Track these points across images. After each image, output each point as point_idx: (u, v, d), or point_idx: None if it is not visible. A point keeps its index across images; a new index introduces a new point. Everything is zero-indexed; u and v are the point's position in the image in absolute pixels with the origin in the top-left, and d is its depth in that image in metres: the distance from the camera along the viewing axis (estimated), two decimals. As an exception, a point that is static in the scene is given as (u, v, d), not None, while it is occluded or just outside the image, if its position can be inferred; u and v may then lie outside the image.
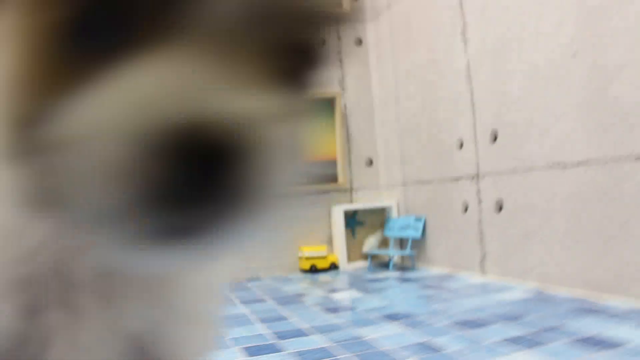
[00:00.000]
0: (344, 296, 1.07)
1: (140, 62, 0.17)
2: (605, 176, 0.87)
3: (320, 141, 1.57)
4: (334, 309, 0.93)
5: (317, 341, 0.75)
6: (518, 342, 0.69)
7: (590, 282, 0.91)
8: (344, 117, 1.61)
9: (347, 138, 1.61)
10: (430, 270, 1.37)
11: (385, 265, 1.52)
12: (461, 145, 1.26)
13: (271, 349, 0.74)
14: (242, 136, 0.16)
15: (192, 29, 0.17)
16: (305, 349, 0.73)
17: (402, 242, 1.56)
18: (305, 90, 0.23)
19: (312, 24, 0.22)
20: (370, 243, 1.57)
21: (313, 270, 1.49)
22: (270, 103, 0.18)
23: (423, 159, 1.42)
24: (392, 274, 1.36)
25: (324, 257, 1.50)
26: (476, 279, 1.18)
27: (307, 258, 1.49)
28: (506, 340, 0.70)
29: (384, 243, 1.59)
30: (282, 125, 0.18)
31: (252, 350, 0.74)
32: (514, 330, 0.74)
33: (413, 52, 1.44)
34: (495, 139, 1.14)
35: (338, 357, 0.66)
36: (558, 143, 0.96)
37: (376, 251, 1.53)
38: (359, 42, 1.65)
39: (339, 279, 1.34)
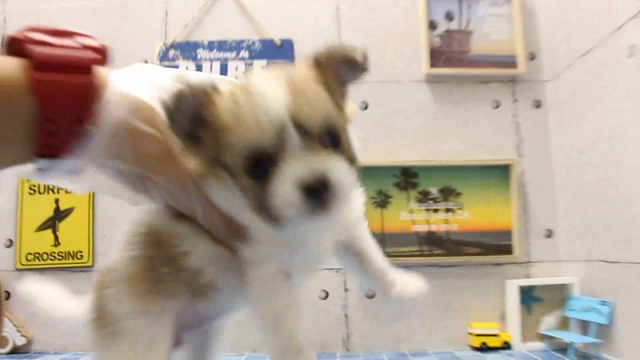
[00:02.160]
0: None
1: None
2: None
3: (494, 210, 1.50)
4: None
5: None
6: None
7: None
8: (521, 185, 1.52)
9: (525, 207, 1.51)
10: (619, 365, 1.22)
11: (564, 349, 1.39)
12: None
13: None
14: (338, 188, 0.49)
15: None
16: None
17: (584, 326, 1.41)
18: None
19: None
20: (547, 323, 1.45)
21: (484, 348, 1.41)
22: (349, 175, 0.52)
23: (609, 237, 1.28)
24: (572, 363, 1.24)
25: (496, 335, 1.42)
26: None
27: (478, 335, 1.42)
28: None
29: (563, 323, 1.46)
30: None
31: None
32: None
33: (596, 115, 1.32)
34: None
35: None
36: None
37: (555, 333, 1.41)
38: (538, 104, 1.55)
39: (511, 363, 1.25)
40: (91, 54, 0.48)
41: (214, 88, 0.52)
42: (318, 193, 0.48)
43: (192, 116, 0.50)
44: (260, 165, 0.49)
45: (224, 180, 0.52)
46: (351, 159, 0.54)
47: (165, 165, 0.51)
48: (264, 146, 0.49)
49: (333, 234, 0.60)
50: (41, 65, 0.44)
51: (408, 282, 0.67)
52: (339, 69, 0.55)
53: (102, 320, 0.59)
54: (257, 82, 0.51)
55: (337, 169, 0.50)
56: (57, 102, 0.44)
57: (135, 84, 0.50)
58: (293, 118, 0.48)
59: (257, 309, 0.57)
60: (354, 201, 0.62)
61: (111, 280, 0.59)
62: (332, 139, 0.51)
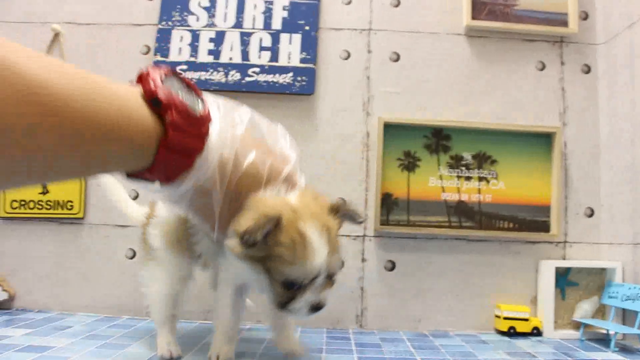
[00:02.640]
0: None
1: None
2: None
3: (532, 182, 1.35)
4: None
5: None
6: None
7: None
8: (563, 156, 1.37)
9: (565, 182, 1.36)
10: (670, 360, 1.08)
11: (600, 339, 1.25)
12: None
13: None
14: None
15: None
16: None
17: (625, 316, 1.27)
18: None
19: None
20: (583, 309, 1.31)
21: (512, 332, 1.27)
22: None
23: (669, 217, 1.14)
24: (613, 356, 1.10)
25: (526, 320, 1.28)
26: None
27: (506, 318, 1.28)
28: None
29: (600, 311, 1.32)
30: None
31: None
32: None
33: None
34: None
35: None
36: None
37: (592, 321, 1.27)
38: (587, 69, 1.40)
39: (544, 351, 1.11)
40: (206, 128, 0.61)
41: (279, 220, 0.73)
42: (317, 309, 0.78)
43: (265, 236, 0.73)
44: (294, 285, 0.76)
45: (253, 267, 0.78)
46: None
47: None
48: (303, 281, 0.76)
49: None
50: (170, 147, 0.55)
51: (296, 345, 0.99)
52: (345, 218, 0.83)
53: (144, 247, 1.03)
54: (314, 237, 0.74)
55: (328, 295, 0.79)
56: (173, 165, 0.59)
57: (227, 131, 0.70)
58: (327, 269, 0.77)
59: (216, 305, 0.92)
60: None
61: (154, 225, 0.99)
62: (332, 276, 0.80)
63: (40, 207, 1.41)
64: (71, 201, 1.41)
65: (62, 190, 1.41)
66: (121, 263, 1.37)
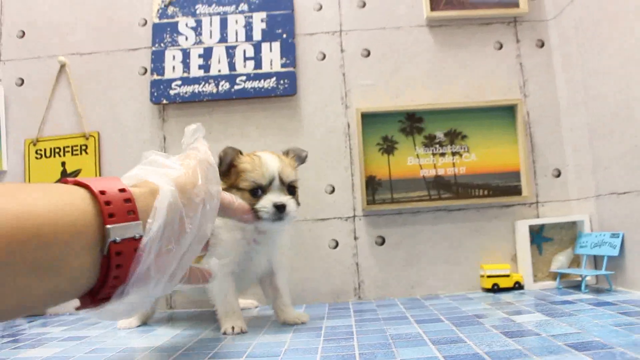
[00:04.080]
0: (527, 319, 0.99)
1: None
2: None
3: (501, 152, 1.49)
4: (515, 333, 0.87)
5: (494, 368, 0.71)
6: None
7: None
8: (527, 125, 1.51)
9: (532, 147, 1.50)
10: (631, 293, 1.21)
11: (576, 286, 1.38)
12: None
13: (444, 372, 0.71)
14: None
15: None
16: (481, 375, 0.69)
17: (596, 261, 1.40)
18: None
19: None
20: (559, 261, 1.44)
21: (495, 289, 1.41)
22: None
23: (620, 167, 1.27)
24: (584, 296, 1.23)
25: (507, 276, 1.41)
26: (691, 306, 1.02)
27: (489, 276, 1.42)
28: None
29: (575, 262, 1.45)
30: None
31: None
32: None
33: (605, 48, 1.30)
34: None
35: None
36: None
37: (566, 270, 1.40)
38: (541, 43, 1.54)
39: (524, 300, 1.25)
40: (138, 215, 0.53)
41: (240, 151, 1.08)
42: (280, 208, 1.02)
43: (229, 162, 1.07)
44: (257, 190, 1.04)
45: (235, 195, 0.88)
46: (297, 202, 1.08)
47: (222, 211, 0.72)
48: (262, 183, 1.04)
49: (267, 258, 1.15)
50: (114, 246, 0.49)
51: (292, 313, 1.15)
52: (297, 159, 1.16)
53: None
54: (265, 155, 1.07)
55: (290, 202, 1.04)
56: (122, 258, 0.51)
57: (157, 178, 0.59)
58: (279, 174, 1.05)
59: (214, 290, 1.11)
60: (284, 234, 1.19)
61: None
62: (291, 190, 1.08)
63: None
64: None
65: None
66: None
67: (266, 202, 1.01)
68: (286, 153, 1.15)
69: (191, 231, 0.58)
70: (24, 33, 1.64)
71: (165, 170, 0.61)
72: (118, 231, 0.48)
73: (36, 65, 1.62)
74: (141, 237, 0.51)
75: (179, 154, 0.68)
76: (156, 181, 0.57)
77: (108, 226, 0.48)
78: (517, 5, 1.52)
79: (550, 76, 1.53)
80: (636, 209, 1.23)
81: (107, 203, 0.49)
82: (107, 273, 0.49)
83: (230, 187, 1.05)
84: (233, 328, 1.05)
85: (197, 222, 0.59)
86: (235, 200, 0.78)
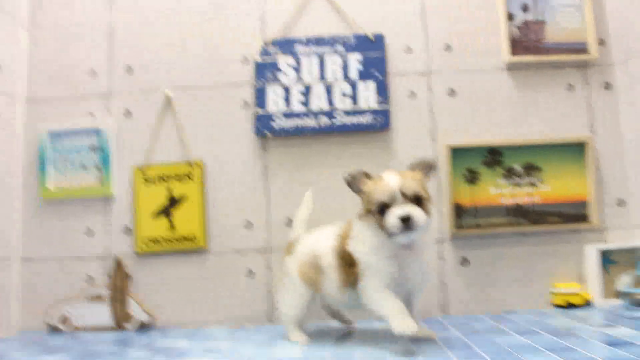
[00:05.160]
0: (617, 332, 1.18)
1: None
2: None
3: (572, 183, 1.67)
4: (615, 342, 1.06)
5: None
6: None
7: None
8: (595, 160, 1.69)
9: (599, 180, 1.68)
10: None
11: (638, 304, 1.57)
12: None
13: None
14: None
15: None
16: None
17: (658, 282, 1.59)
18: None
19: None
20: (623, 281, 1.63)
21: (568, 306, 1.59)
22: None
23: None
24: (650, 313, 1.43)
25: (577, 294, 1.59)
26: None
27: (562, 294, 1.60)
28: None
29: (638, 282, 1.64)
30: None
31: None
32: None
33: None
34: None
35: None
36: None
37: (632, 289, 1.59)
38: (608, 86, 1.71)
39: (599, 315, 1.43)
40: None
41: (366, 173, 1.20)
42: (406, 220, 1.09)
43: (358, 186, 1.20)
44: (383, 208, 1.12)
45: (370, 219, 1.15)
46: (427, 211, 1.14)
47: None
48: (385, 200, 1.12)
49: (414, 271, 1.19)
50: None
51: (406, 322, 1.12)
52: (424, 170, 1.21)
53: (282, 269, 1.44)
54: (385, 174, 1.16)
55: (416, 212, 1.10)
56: None
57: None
58: (400, 189, 1.11)
59: (369, 301, 1.19)
60: (425, 240, 1.26)
61: (291, 259, 1.41)
62: (418, 201, 1.12)
63: (169, 242, 1.71)
64: (195, 235, 1.70)
65: (186, 226, 1.71)
66: (240, 281, 1.68)
67: (390, 216, 1.09)
68: (411, 167, 1.22)
69: None
70: (131, 69, 1.77)
71: None
72: None
73: (143, 98, 1.75)
74: None
75: None
76: None
77: None
78: (586, 51, 1.70)
79: (616, 116, 1.71)
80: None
81: None
82: None
83: (368, 212, 1.16)
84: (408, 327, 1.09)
85: None
86: None
